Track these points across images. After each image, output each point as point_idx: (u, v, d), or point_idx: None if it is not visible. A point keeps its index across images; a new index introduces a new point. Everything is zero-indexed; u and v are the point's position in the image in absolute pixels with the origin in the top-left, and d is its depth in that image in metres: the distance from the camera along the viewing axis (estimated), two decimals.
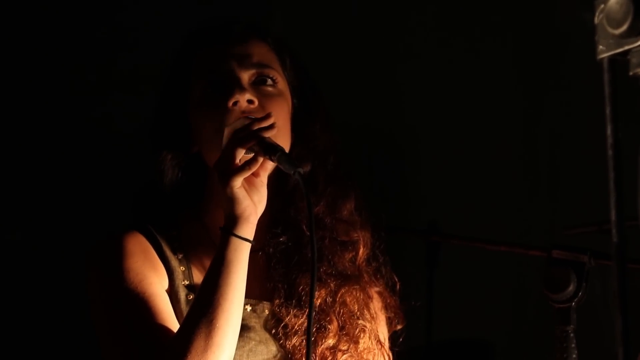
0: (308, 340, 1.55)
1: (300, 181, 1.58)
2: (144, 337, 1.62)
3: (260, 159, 1.62)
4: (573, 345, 1.86)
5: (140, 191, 1.84)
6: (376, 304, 1.83)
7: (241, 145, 1.62)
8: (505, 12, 3.22)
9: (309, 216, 1.57)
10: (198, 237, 1.79)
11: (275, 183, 1.75)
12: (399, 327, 1.87)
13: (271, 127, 1.64)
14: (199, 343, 1.56)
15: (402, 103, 3.16)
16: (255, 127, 1.63)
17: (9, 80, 2.69)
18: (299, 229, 1.79)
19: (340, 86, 3.01)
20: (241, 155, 1.62)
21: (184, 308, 1.72)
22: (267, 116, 1.66)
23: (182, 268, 1.76)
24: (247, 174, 1.62)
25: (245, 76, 1.75)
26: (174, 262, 1.76)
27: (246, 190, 1.63)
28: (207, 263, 1.73)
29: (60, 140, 2.71)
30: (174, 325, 1.65)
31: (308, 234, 1.75)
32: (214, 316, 1.58)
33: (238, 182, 1.61)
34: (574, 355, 1.85)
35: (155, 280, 1.70)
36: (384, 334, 1.84)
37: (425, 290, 3.00)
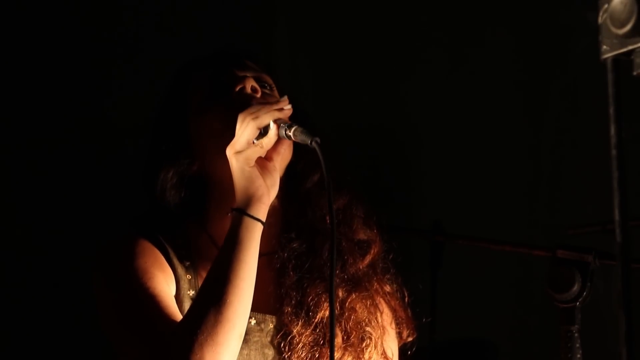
0: (331, 340, 1.55)
1: (318, 150, 1.59)
2: (155, 327, 1.61)
3: (274, 137, 1.64)
4: (577, 345, 1.85)
5: (147, 211, 1.84)
6: (385, 318, 1.81)
7: (257, 125, 1.63)
8: (508, 14, 3.21)
9: (327, 188, 1.58)
10: (203, 247, 1.79)
11: (288, 186, 1.75)
12: (409, 339, 1.85)
13: (286, 109, 1.67)
14: (209, 319, 1.55)
15: (405, 103, 3.16)
16: (270, 109, 1.65)
17: (13, 81, 2.70)
18: (313, 232, 1.79)
19: (344, 86, 3.01)
20: (255, 136, 1.63)
21: None
22: (282, 98, 1.69)
23: (189, 276, 1.76)
24: (261, 153, 1.64)
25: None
26: (181, 269, 1.76)
27: (259, 172, 1.65)
28: None
29: (65, 139, 2.72)
30: (179, 319, 1.64)
31: (321, 235, 1.77)
32: (225, 292, 1.57)
33: (252, 161, 1.63)
34: (579, 355, 1.85)
35: (163, 281, 1.70)
36: (392, 349, 1.81)
37: (429, 290, 2.99)
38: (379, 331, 1.77)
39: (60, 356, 2.67)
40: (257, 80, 1.78)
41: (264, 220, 1.65)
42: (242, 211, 1.63)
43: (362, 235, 1.82)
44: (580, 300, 1.85)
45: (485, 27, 3.23)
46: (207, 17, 2.82)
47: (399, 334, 1.85)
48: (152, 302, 1.63)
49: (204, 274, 1.75)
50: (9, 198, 2.69)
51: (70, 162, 2.71)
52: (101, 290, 1.72)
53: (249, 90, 1.74)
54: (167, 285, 1.71)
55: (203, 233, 1.80)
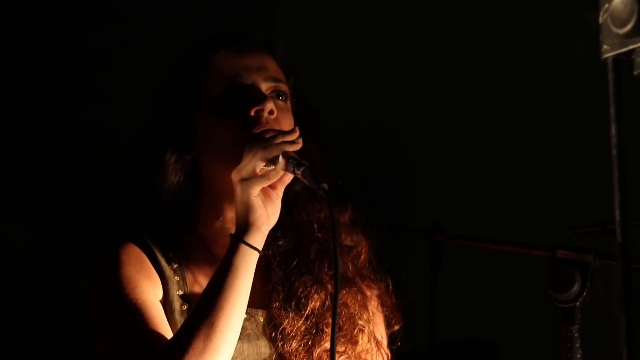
0: (332, 341, 1.55)
1: (325, 197, 1.58)
2: (138, 343, 1.63)
3: (281, 172, 1.64)
4: (577, 345, 1.85)
5: (137, 199, 1.84)
6: (373, 304, 1.85)
7: (265, 156, 1.63)
8: (508, 13, 3.21)
9: (333, 231, 1.57)
10: (193, 247, 1.80)
11: None
12: (396, 327, 1.88)
13: (296, 142, 1.66)
14: (197, 344, 1.56)
15: (406, 103, 3.16)
16: (280, 140, 1.64)
17: (12, 82, 2.70)
18: (299, 233, 1.81)
19: (345, 86, 3.01)
20: (262, 166, 1.63)
21: (178, 318, 1.73)
22: (293, 131, 1.68)
23: (177, 278, 1.77)
24: (266, 184, 1.64)
25: (265, 87, 1.77)
26: (169, 272, 1.77)
27: (262, 200, 1.65)
28: (202, 273, 1.78)
29: (62, 141, 2.72)
30: (166, 332, 1.66)
31: (308, 237, 1.80)
32: (215, 319, 1.59)
33: (256, 191, 1.64)
34: (579, 355, 1.85)
35: (149, 289, 1.71)
36: (381, 332, 1.85)
37: (429, 290, 2.99)
38: (371, 323, 1.80)
39: (57, 356, 2.68)
40: (275, 91, 1.77)
41: (261, 248, 1.66)
42: (240, 238, 1.64)
43: (348, 242, 1.84)
44: (580, 300, 1.85)
45: (486, 28, 3.22)
46: (206, 16, 2.81)
47: (387, 320, 1.87)
48: (137, 316, 1.65)
49: (192, 275, 1.78)
50: (6, 199, 2.69)
51: (66, 163, 2.71)
52: (88, 300, 1.73)
53: (266, 113, 1.72)
54: (153, 293, 1.72)
55: (193, 234, 1.81)
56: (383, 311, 1.87)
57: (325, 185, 1.58)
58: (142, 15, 2.79)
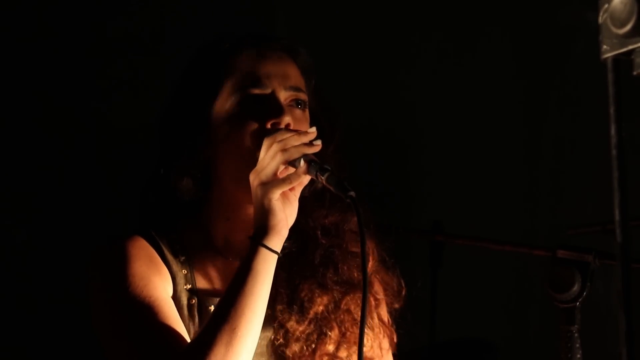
0: (360, 348, 1.55)
1: (353, 204, 1.56)
2: (153, 341, 1.61)
3: (302, 176, 1.62)
4: (577, 345, 1.85)
5: (145, 194, 1.83)
6: (378, 291, 1.83)
7: (285, 159, 1.61)
8: (508, 13, 3.22)
9: (361, 238, 1.56)
10: (199, 242, 1.79)
11: None
12: (396, 305, 1.86)
13: (314, 144, 1.64)
14: (219, 350, 1.56)
15: (406, 103, 3.16)
16: (299, 143, 1.63)
17: (13, 81, 2.70)
18: (305, 236, 1.78)
19: (344, 86, 3.01)
20: (282, 169, 1.62)
21: (186, 313, 1.72)
22: (311, 132, 1.66)
23: (184, 272, 1.76)
24: (287, 187, 1.62)
25: (284, 98, 1.74)
26: (176, 266, 1.75)
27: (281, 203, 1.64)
28: (208, 267, 1.77)
29: (65, 141, 2.72)
30: (181, 328, 1.65)
31: (313, 242, 1.78)
32: (237, 324, 1.58)
33: (277, 195, 1.62)
34: (578, 355, 1.85)
35: (160, 284, 1.70)
36: (387, 315, 1.84)
37: (429, 290, 3.00)
38: (376, 329, 1.79)
39: (59, 356, 2.68)
40: (294, 100, 1.75)
41: (279, 251, 1.64)
42: (260, 242, 1.62)
43: (354, 249, 1.81)
44: (580, 300, 1.85)
45: (486, 28, 3.23)
46: (205, 17, 2.82)
47: (390, 302, 1.86)
48: (151, 314, 1.63)
49: (199, 269, 1.77)
50: (7, 198, 2.69)
51: (67, 161, 2.71)
52: (95, 297, 1.71)
53: (283, 126, 1.70)
54: (164, 289, 1.70)
55: (198, 230, 1.79)
56: (386, 297, 1.85)
57: (353, 193, 1.56)
58: (147, 16, 2.79)
